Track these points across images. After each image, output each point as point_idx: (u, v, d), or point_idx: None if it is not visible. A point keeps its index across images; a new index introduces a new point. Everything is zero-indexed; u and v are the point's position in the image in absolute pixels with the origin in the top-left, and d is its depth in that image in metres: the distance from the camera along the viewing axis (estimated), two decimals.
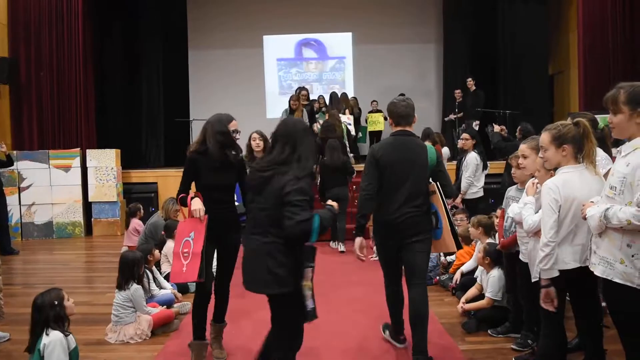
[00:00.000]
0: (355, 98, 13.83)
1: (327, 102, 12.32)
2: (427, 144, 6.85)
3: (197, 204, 4.08)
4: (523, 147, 4.06)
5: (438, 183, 4.26)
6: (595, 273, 3.14)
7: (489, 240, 5.41)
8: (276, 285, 3.30)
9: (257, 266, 3.32)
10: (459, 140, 8.40)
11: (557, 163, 3.41)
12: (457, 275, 6.01)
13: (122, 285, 4.98)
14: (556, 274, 3.32)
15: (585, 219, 3.15)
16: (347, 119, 11.65)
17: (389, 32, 15.14)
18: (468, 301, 5.30)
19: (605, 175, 3.65)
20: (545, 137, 3.45)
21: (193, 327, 4.41)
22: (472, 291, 5.37)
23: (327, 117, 10.89)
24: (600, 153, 3.87)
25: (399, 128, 4.28)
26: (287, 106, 11.21)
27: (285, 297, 3.33)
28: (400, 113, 4.25)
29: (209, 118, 4.32)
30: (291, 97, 11.23)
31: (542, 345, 3.56)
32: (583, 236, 3.30)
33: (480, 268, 5.41)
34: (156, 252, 6.01)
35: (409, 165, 4.10)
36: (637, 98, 2.98)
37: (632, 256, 2.93)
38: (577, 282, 3.38)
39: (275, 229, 3.28)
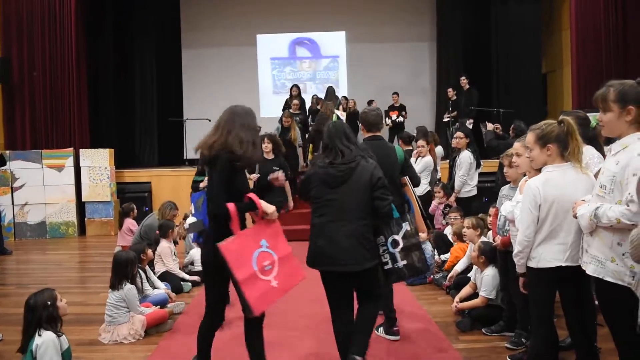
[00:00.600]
0: (345, 97, 13.81)
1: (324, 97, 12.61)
2: (422, 141, 7.11)
3: (270, 206, 3.64)
4: (517, 146, 4.06)
5: (407, 176, 4.87)
6: (587, 272, 3.15)
7: (483, 239, 5.42)
8: (371, 260, 3.84)
9: (356, 247, 3.75)
10: (453, 139, 8.40)
11: (543, 163, 3.41)
12: (452, 273, 6.01)
13: (115, 285, 4.97)
14: (524, 269, 3.44)
15: (576, 217, 3.16)
16: (340, 114, 11.72)
17: (383, 30, 15.15)
18: (462, 300, 5.30)
19: (597, 174, 3.66)
20: (530, 137, 3.47)
21: (203, 351, 3.86)
22: (466, 290, 5.37)
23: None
24: (592, 152, 3.88)
25: (370, 134, 4.80)
26: (283, 110, 11.27)
27: (376, 267, 3.93)
28: (372, 121, 4.77)
29: (230, 108, 3.83)
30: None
31: (533, 344, 3.57)
32: (565, 235, 3.30)
33: (474, 267, 5.42)
34: (149, 251, 6.00)
35: (385, 165, 4.40)
36: (626, 96, 2.99)
37: (623, 254, 2.95)
38: (566, 280, 3.39)
39: (364, 213, 3.80)
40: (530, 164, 3.54)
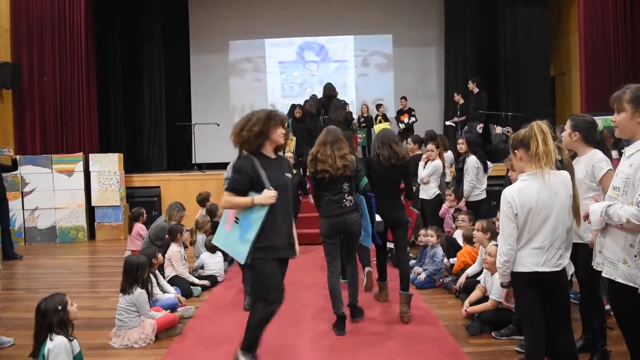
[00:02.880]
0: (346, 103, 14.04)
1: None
2: (432, 145, 7.40)
3: None
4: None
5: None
6: (603, 274, 3.17)
7: (493, 242, 5.41)
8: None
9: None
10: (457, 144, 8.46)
11: (520, 169, 3.43)
12: (462, 279, 5.99)
13: (126, 289, 4.98)
14: (509, 279, 3.42)
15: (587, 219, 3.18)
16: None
17: (390, 35, 15.21)
18: (471, 304, 5.28)
19: (603, 177, 3.67)
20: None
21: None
22: (475, 293, 5.36)
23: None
24: (599, 155, 3.87)
25: None
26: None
27: None
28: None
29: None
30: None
31: (526, 345, 3.58)
32: (542, 239, 3.28)
33: (484, 270, 5.40)
34: (159, 255, 6.01)
35: None
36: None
37: (635, 256, 2.95)
38: (543, 286, 3.36)
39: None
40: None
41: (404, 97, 13.85)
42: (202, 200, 8.89)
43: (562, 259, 3.31)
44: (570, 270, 3.61)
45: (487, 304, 5.06)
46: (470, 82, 12.61)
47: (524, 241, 3.32)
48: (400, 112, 13.77)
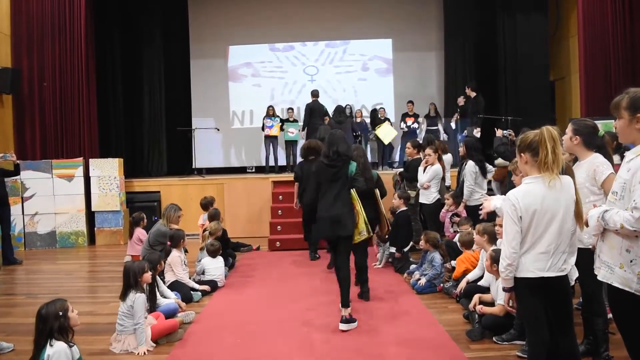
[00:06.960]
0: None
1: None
2: (429, 150, 7.38)
3: None
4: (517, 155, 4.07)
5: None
6: (598, 277, 3.17)
7: (494, 247, 5.40)
8: None
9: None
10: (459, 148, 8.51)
11: (525, 172, 3.41)
12: (463, 284, 5.97)
13: (126, 294, 4.97)
14: (512, 283, 3.37)
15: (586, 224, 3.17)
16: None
17: (390, 39, 15.28)
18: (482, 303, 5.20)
19: (605, 180, 3.67)
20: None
21: None
22: (489, 296, 5.28)
23: None
24: (600, 159, 3.87)
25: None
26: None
27: None
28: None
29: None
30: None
31: (528, 352, 3.56)
32: (547, 244, 3.26)
33: (489, 275, 5.37)
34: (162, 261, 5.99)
35: None
36: (636, 104, 3.01)
37: (631, 261, 2.96)
38: (548, 290, 3.35)
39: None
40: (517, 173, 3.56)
41: (410, 102, 13.87)
42: (207, 204, 8.92)
43: (566, 263, 3.30)
44: (574, 275, 3.59)
45: (495, 308, 5.00)
46: (467, 87, 12.65)
47: (528, 245, 3.30)
48: (405, 115, 13.80)
